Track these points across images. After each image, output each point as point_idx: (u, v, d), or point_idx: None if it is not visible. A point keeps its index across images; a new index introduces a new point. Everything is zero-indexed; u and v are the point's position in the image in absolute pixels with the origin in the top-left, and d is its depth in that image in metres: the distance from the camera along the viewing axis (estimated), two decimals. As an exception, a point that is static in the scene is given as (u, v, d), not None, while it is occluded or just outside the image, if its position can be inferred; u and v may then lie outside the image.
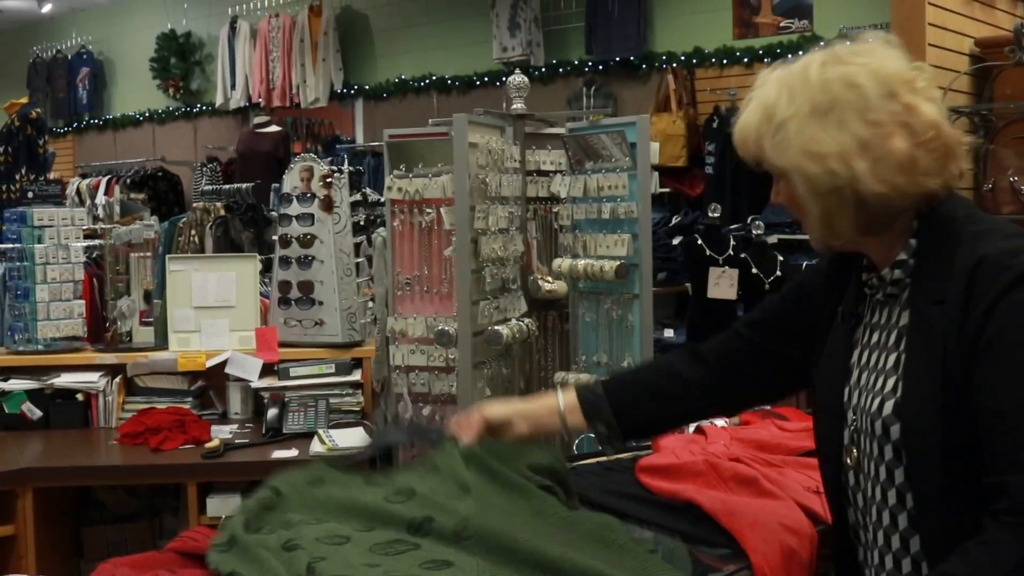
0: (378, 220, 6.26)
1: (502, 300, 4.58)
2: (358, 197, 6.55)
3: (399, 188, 4.78)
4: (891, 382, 1.84)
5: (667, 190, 8.47)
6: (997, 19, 6.52)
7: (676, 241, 7.04)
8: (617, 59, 9.35)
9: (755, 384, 2.22)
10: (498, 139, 4.63)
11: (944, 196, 1.83)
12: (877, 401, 1.85)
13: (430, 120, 5.08)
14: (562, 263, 4.64)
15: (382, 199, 5.99)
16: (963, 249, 1.75)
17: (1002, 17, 6.52)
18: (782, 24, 8.70)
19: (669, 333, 6.64)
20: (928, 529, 1.79)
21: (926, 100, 1.79)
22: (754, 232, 5.03)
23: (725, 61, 8.80)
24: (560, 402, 2.28)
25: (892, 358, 1.85)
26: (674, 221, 7.44)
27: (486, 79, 10.20)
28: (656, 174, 8.10)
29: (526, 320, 4.69)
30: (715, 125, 8.38)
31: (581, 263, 4.54)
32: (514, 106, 4.82)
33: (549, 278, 4.81)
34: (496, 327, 4.42)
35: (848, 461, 1.94)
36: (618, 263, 4.40)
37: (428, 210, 4.75)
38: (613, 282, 4.45)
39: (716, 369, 2.21)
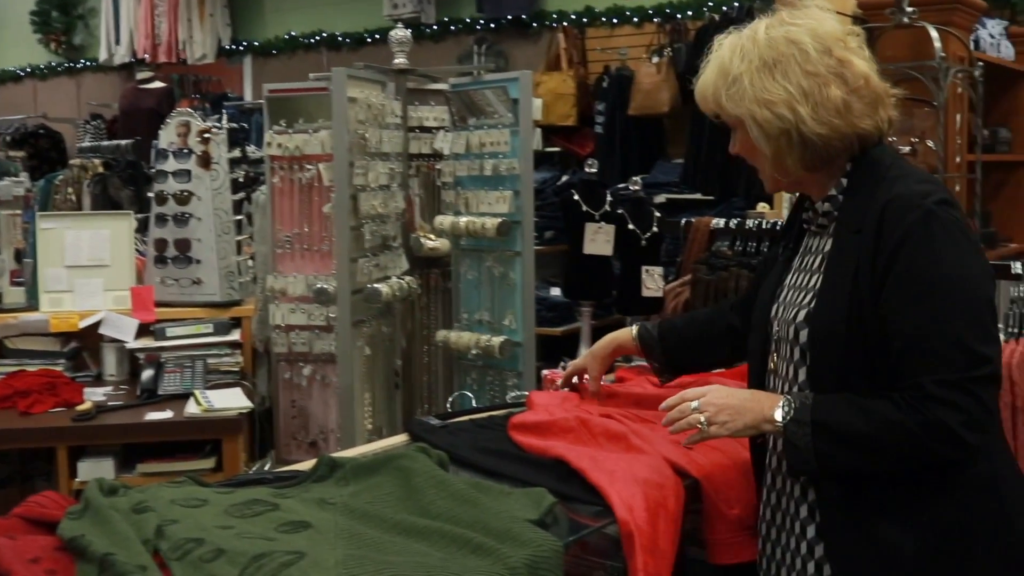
0: (260, 177, 6.14)
1: (382, 258, 4.51)
2: (237, 154, 6.42)
3: (279, 144, 4.69)
4: (808, 296, 2.15)
5: (557, 149, 8.44)
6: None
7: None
8: (508, 17, 9.27)
9: None
10: (379, 94, 4.55)
11: (875, 142, 2.14)
12: (794, 311, 2.16)
13: (311, 75, 4.98)
14: (444, 220, 4.59)
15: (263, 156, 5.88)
16: (882, 187, 2.06)
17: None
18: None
19: (556, 291, 6.63)
20: None
21: (856, 56, 2.09)
22: (632, 188, 5.02)
23: (615, 20, 8.76)
24: (632, 335, 2.75)
25: (815, 278, 2.16)
26: (563, 180, 7.40)
27: (377, 36, 10.04)
28: (540, 131, 8.08)
29: (407, 278, 4.64)
30: (605, 84, 8.34)
31: (463, 220, 4.49)
32: (396, 61, 4.74)
33: (431, 235, 4.76)
34: (375, 285, 4.35)
35: (771, 365, 2.24)
36: (500, 220, 4.36)
37: (308, 166, 4.68)
38: (495, 239, 4.42)
39: (732, 320, 2.62)
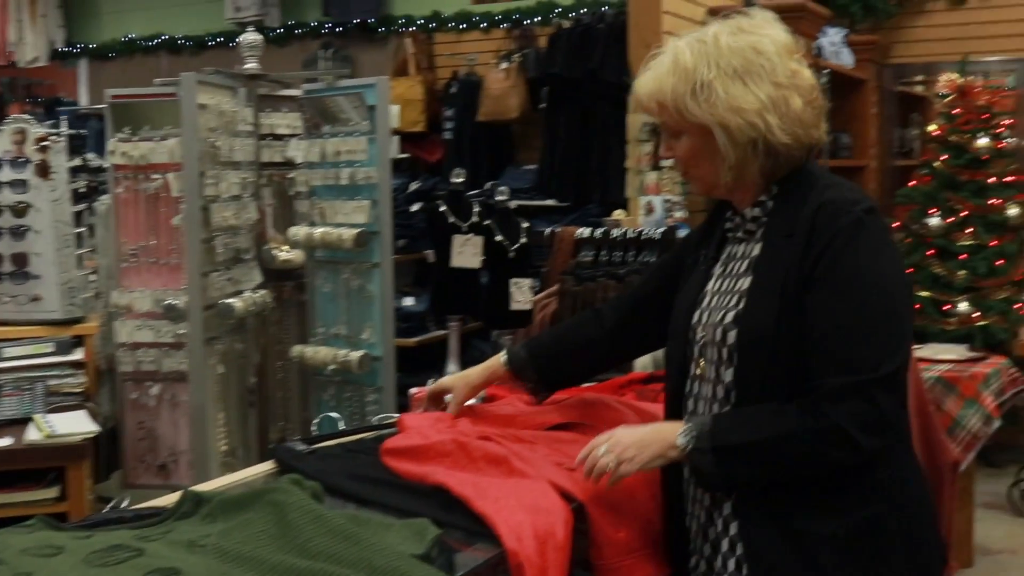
0: (101, 187, 5.88)
1: (235, 271, 4.34)
2: (78, 162, 6.13)
3: (123, 153, 4.50)
4: (736, 299, 2.14)
5: (406, 156, 8.32)
6: (728, -12, 6.63)
7: (415, 208, 6.90)
8: (355, 21, 9.12)
9: (648, 332, 2.53)
10: (230, 101, 4.38)
11: (813, 153, 2.16)
12: (721, 314, 2.15)
13: (156, 80, 4.77)
14: (298, 231, 4.44)
15: (105, 164, 5.63)
16: (813, 194, 2.08)
17: (732, -13, 6.64)
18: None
19: (409, 302, 6.52)
20: None
21: (804, 66, 2.12)
22: (497, 198, 4.93)
23: (463, 26, 8.69)
24: (503, 361, 2.67)
25: (742, 282, 2.15)
26: (412, 187, 7.29)
27: (219, 39, 9.77)
28: (396, 138, 7.96)
29: (261, 292, 4.47)
30: (453, 90, 8.26)
31: (318, 231, 4.35)
32: (247, 66, 4.57)
33: (285, 247, 4.60)
34: (228, 300, 4.18)
35: (696, 371, 2.22)
36: (357, 231, 4.23)
37: (155, 176, 4.49)
38: (352, 251, 4.29)
39: (615, 325, 2.57)
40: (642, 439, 2.12)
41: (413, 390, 3.07)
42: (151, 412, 4.61)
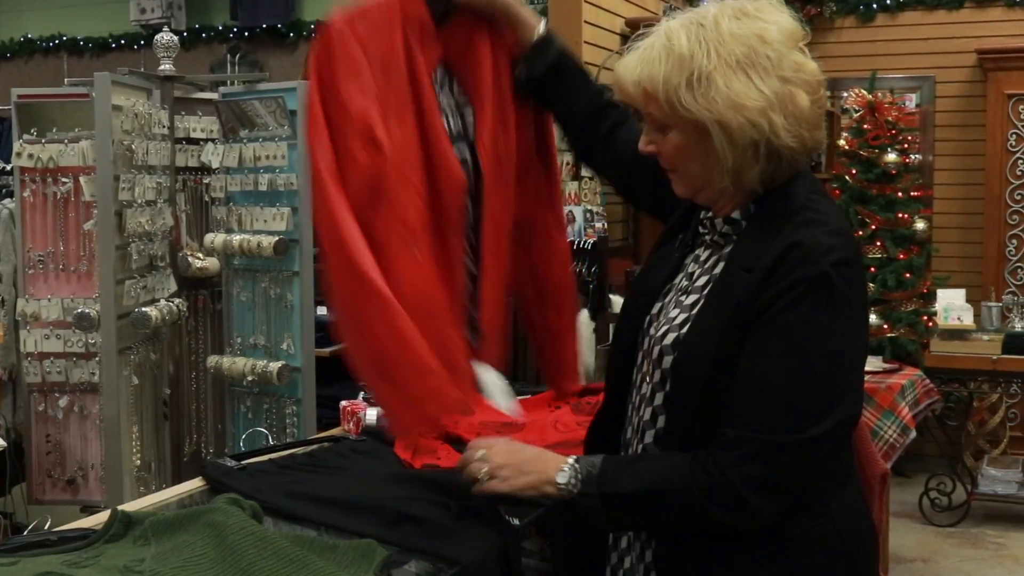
0: (3, 191, 5.68)
1: (149, 279, 4.21)
2: (-21, 165, 5.93)
3: (30, 155, 4.33)
4: (682, 318, 1.95)
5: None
6: (645, 1, 6.67)
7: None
8: (263, 26, 8.98)
9: (619, 169, 2.39)
10: (145, 102, 4.24)
11: (801, 167, 1.93)
12: (665, 329, 1.97)
13: (66, 80, 4.62)
14: (215, 238, 4.32)
15: (7, 167, 5.44)
16: (788, 228, 1.85)
17: (650, -1, 6.68)
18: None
19: (322, 311, 6.40)
20: (668, 450, 1.94)
21: (809, 57, 1.88)
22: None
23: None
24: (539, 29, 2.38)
25: (693, 298, 1.97)
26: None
27: (123, 42, 9.56)
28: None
29: (176, 300, 4.34)
30: (365, 96, 8.17)
31: (236, 238, 4.23)
32: (162, 67, 4.44)
33: (200, 254, 4.47)
34: (144, 308, 4.04)
35: (634, 377, 2.06)
36: (277, 238, 4.13)
37: (64, 179, 4.34)
38: (271, 259, 4.18)
39: (613, 128, 2.36)
40: (522, 464, 1.99)
41: (344, 403, 2.98)
42: (59, 425, 4.45)
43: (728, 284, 1.90)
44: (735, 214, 1.95)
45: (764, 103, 1.81)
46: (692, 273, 2.02)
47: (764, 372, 1.81)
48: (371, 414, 2.84)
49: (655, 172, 2.06)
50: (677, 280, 2.05)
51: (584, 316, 3.95)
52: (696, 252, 2.05)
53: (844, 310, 1.81)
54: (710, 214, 2.01)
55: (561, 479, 1.93)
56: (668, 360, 1.93)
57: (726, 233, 1.96)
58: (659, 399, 1.96)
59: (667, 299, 2.04)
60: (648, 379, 2.00)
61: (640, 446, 2.01)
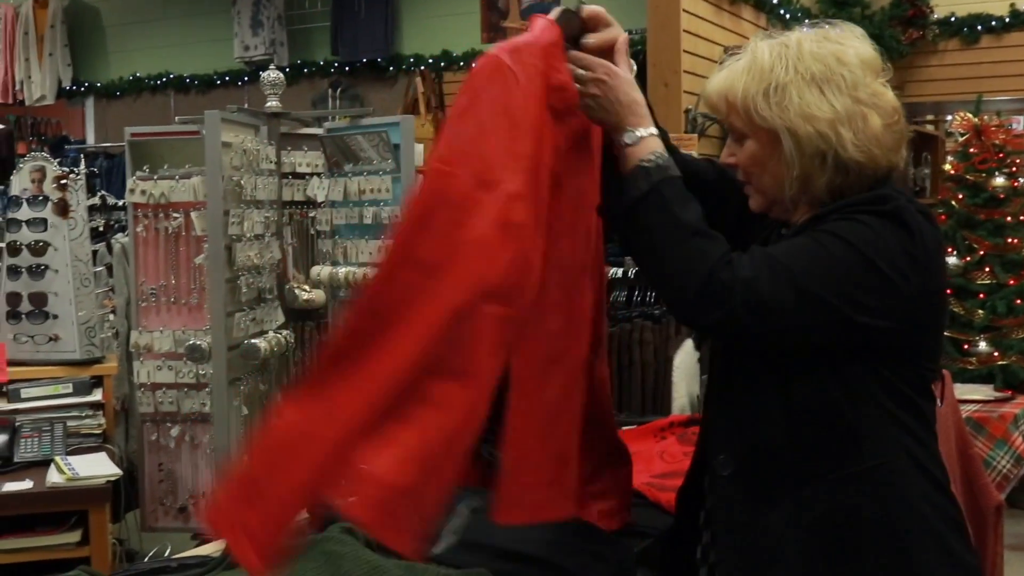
0: (116, 226, 5.83)
1: (258, 311, 4.29)
2: (96, 201, 6.08)
3: (143, 191, 4.43)
4: None
5: (418, 194, 8.29)
6: (743, 28, 6.65)
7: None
8: (364, 60, 9.13)
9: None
10: (252, 138, 4.34)
11: (892, 180, 1.99)
12: None
13: (176, 118, 4.74)
14: (321, 271, 4.39)
15: (120, 203, 5.59)
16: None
17: (747, 27, 6.66)
18: (529, 28, 8.65)
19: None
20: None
21: (888, 89, 1.98)
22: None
23: (473, 65, 8.68)
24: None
25: None
26: (427, 226, 7.25)
27: (227, 79, 9.78)
28: (421, 177, 7.90)
29: (284, 332, 4.41)
30: (465, 129, 8.25)
31: (342, 271, 4.30)
32: (268, 104, 4.54)
33: (306, 287, 4.55)
34: (253, 340, 4.12)
35: None
36: (382, 270, 4.17)
37: (175, 214, 4.43)
38: (376, 291, 4.22)
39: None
40: (613, 102, 2.01)
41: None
42: (171, 454, 4.54)
43: None
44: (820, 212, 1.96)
45: (834, 116, 1.91)
46: None
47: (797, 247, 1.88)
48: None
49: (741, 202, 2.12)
50: None
51: (688, 346, 3.94)
52: None
53: (915, 237, 1.85)
54: (785, 231, 2.05)
55: (627, 139, 1.99)
56: None
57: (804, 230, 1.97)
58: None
59: None
60: None
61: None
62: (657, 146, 1.98)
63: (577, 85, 2.00)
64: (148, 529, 4.60)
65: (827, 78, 1.92)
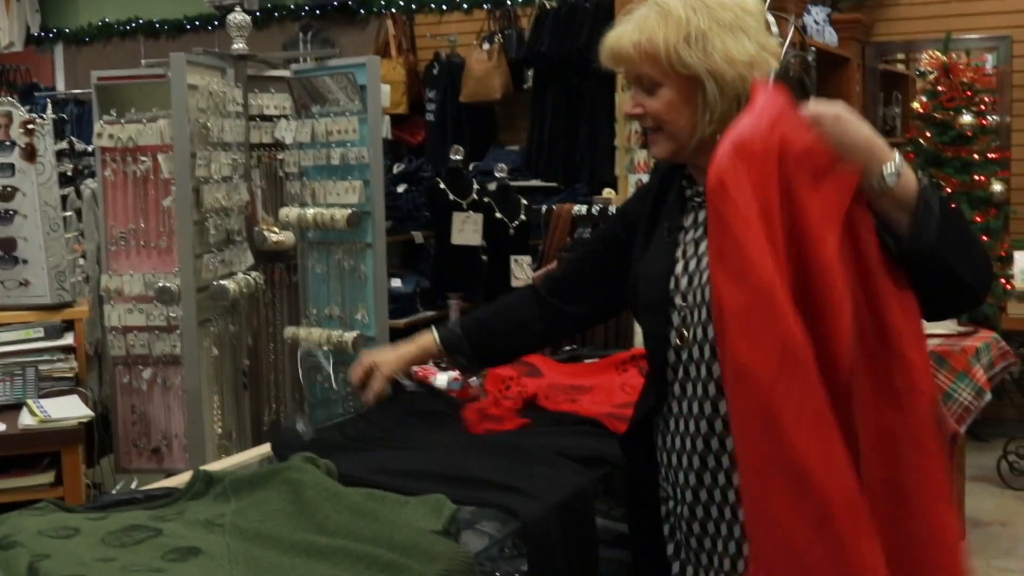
0: (85, 171, 5.83)
1: (227, 253, 4.31)
2: (64, 146, 6.07)
3: (110, 135, 4.44)
4: None
5: (388, 138, 8.29)
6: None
7: (400, 189, 6.88)
8: (335, 3, 9.08)
9: (588, 310, 2.52)
10: (219, 81, 4.34)
11: None
12: (708, 290, 2.05)
13: (143, 61, 4.73)
14: (290, 212, 4.41)
15: (90, 148, 5.58)
16: None
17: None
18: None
19: (397, 283, 6.49)
20: None
21: (772, 37, 2.15)
22: (496, 174, 4.92)
23: (444, 7, 8.66)
24: (435, 339, 2.60)
25: None
26: (396, 169, 7.26)
27: (197, 23, 9.71)
28: (387, 118, 7.92)
29: (253, 273, 4.44)
30: (435, 71, 8.24)
31: (310, 212, 4.32)
32: (235, 46, 4.53)
33: (275, 228, 4.57)
34: (222, 281, 4.15)
35: (678, 342, 2.14)
36: (350, 211, 4.21)
37: (143, 158, 4.44)
38: (344, 231, 4.26)
39: (553, 304, 2.51)
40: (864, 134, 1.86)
41: (416, 368, 3.04)
42: (143, 396, 4.57)
43: None
44: None
45: (748, 59, 2.04)
46: (703, 234, 2.12)
47: None
48: (441, 379, 2.90)
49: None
50: (681, 252, 2.18)
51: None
52: (686, 226, 2.20)
53: None
54: (699, 187, 2.16)
55: (889, 168, 1.84)
56: None
57: None
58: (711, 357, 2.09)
59: (684, 264, 2.16)
60: (701, 325, 2.11)
61: (708, 403, 2.11)
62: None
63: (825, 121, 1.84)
64: (122, 471, 4.64)
65: (737, 25, 2.05)
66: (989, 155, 6.73)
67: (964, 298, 1.98)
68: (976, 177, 6.61)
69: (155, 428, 4.56)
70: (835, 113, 1.84)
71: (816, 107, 1.85)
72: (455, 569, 1.76)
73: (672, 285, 2.16)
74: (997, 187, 6.64)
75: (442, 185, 4.71)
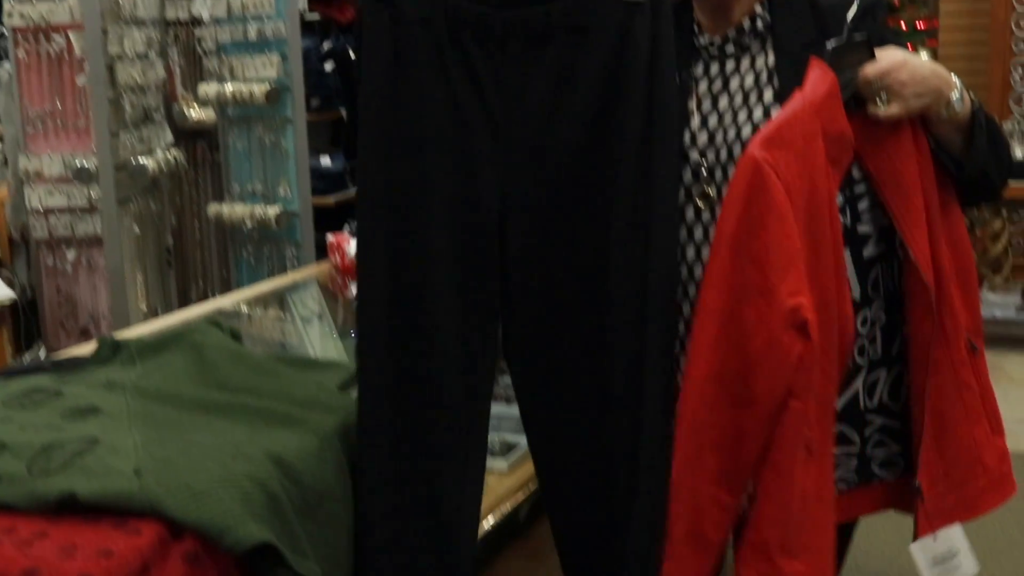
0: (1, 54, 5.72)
1: (145, 131, 4.27)
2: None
3: (20, 14, 4.35)
4: (759, 112, 2.02)
5: (316, 16, 8.15)
6: None
7: (329, 67, 6.80)
8: None
9: None
10: (129, -46, 4.26)
11: None
12: (734, 131, 2.02)
13: (51, -64, 4.62)
14: (208, 89, 4.36)
15: (2, 29, 5.47)
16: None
17: None
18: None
19: (326, 160, 6.46)
20: None
21: None
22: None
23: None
24: None
25: (755, 94, 2.03)
26: (325, 47, 7.16)
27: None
28: (305, -6, 7.78)
29: (173, 151, 4.41)
30: (363, -54, 8.09)
31: (229, 88, 4.27)
32: (145, -83, 4.43)
33: (195, 105, 4.52)
34: (140, 159, 4.12)
35: (700, 203, 2.05)
36: (268, 87, 4.17)
37: (56, 37, 4.36)
38: (264, 107, 4.23)
39: None
40: (923, 80, 1.91)
41: (330, 236, 3.07)
42: (68, 278, 4.56)
43: (794, 64, 1.97)
44: (758, 9, 2.06)
45: None
46: (728, 87, 2.07)
47: None
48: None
49: None
50: (694, 107, 2.09)
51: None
52: (700, 76, 2.11)
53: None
54: (708, 40, 2.09)
55: (955, 96, 1.93)
56: None
57: (752, 29, 2.06)
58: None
59: (702, 121, 2.08)
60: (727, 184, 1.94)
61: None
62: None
63: (883, 95, 1.90)
64: (52, 353, 4.64)
65: None
66: (917, 24, 6.75)
67: (988, 195, 2.13)
68: (904, 46, 6.64)
69: (82, 309, 4.56)
70: (901, 59, 1.90)
71: (880, 62, 1.89)
72: (353, 423, 1.81)
73: (688, 140, 2.08)
74: (924, 56, 6.67)
75: (353, 56, 4.67)
